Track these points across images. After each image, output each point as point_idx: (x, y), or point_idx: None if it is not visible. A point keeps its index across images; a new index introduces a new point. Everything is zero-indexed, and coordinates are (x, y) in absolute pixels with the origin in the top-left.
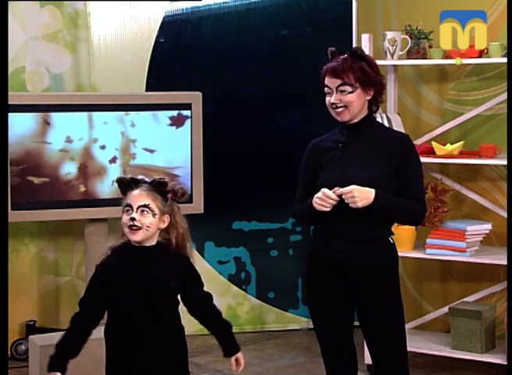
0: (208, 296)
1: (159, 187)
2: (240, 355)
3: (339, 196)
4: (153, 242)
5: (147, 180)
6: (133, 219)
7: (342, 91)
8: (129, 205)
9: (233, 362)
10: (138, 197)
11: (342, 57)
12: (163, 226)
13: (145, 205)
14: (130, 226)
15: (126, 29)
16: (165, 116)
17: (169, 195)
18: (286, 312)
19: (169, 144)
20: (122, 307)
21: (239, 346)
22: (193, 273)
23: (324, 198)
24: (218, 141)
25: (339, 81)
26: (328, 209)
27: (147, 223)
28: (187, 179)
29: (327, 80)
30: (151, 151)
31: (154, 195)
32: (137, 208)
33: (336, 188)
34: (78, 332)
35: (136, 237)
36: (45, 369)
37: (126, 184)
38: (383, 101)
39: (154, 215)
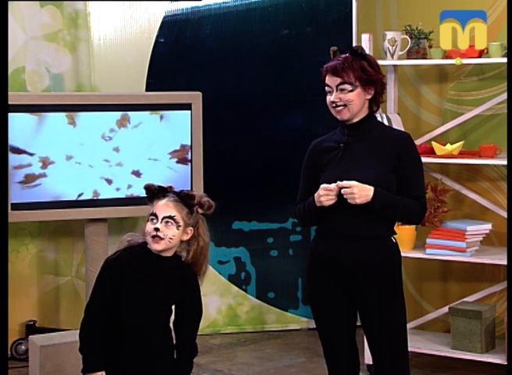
0: (192, 333)
1: (186, 200)
2: None
3: (339, 191)
4: (171, 253)
5: (175, 190)
6: (157, 229)
7: (342, 90)
8: (155, 215)
9: None
10: (164, 207)
11: (342, 56)
12: (186, 238)
13: (170, 217)
14: (153, 236)
15: (126, 29)
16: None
17: (196, 207)
18: (286, 312)
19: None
20: (124, 309)
21: None
22: (194, 297)
23: (326, 193)
24: (218, 141)
25: (339, 80)
26: (334, 201)
27: (171, 234)
28: (187, 179)
29: (327, 79)
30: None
31: (181, 207)
32: (162, 219)
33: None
34: (98, 335)
35: (158, 246)
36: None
37: (154, 192)
38: (384, 100)
39: (178, 227)
